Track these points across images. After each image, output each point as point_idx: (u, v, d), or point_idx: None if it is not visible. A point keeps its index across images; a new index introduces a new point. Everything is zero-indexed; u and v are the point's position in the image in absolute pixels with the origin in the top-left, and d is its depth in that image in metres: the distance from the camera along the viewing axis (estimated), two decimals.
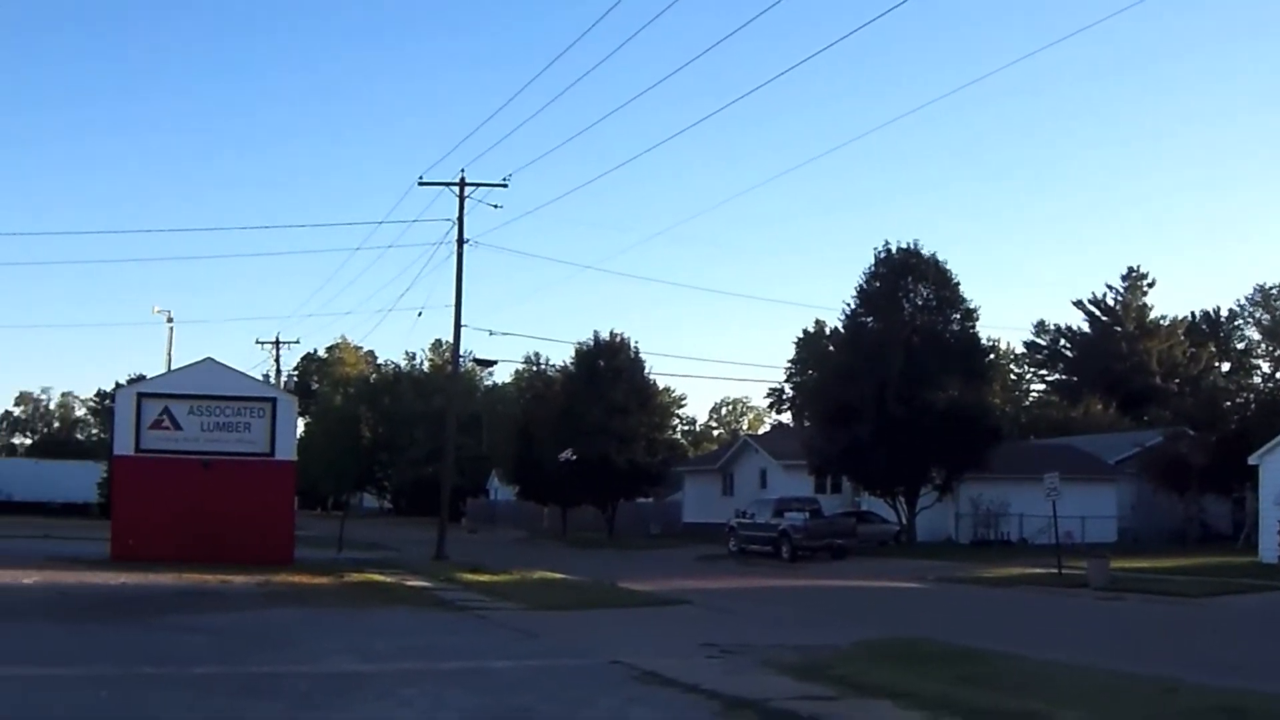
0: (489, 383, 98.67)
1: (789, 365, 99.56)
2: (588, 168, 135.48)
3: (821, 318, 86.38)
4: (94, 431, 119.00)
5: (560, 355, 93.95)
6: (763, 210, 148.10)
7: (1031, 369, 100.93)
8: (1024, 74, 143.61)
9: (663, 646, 16.46)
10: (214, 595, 23.16)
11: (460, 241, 42.75)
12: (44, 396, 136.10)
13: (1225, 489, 51.39)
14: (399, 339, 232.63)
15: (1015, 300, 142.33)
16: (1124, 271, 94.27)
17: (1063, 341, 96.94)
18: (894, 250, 50.38)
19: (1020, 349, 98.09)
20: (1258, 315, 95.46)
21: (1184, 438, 53.62)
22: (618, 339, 63.38)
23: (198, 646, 15.67)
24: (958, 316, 50.24)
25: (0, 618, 18.58)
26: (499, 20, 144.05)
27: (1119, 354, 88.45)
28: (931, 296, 50.15)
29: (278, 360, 77.02)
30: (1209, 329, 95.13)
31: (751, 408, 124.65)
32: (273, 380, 69.75)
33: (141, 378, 54.31)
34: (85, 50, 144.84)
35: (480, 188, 42.69)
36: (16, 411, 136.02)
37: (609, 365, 61.95)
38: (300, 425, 45.94)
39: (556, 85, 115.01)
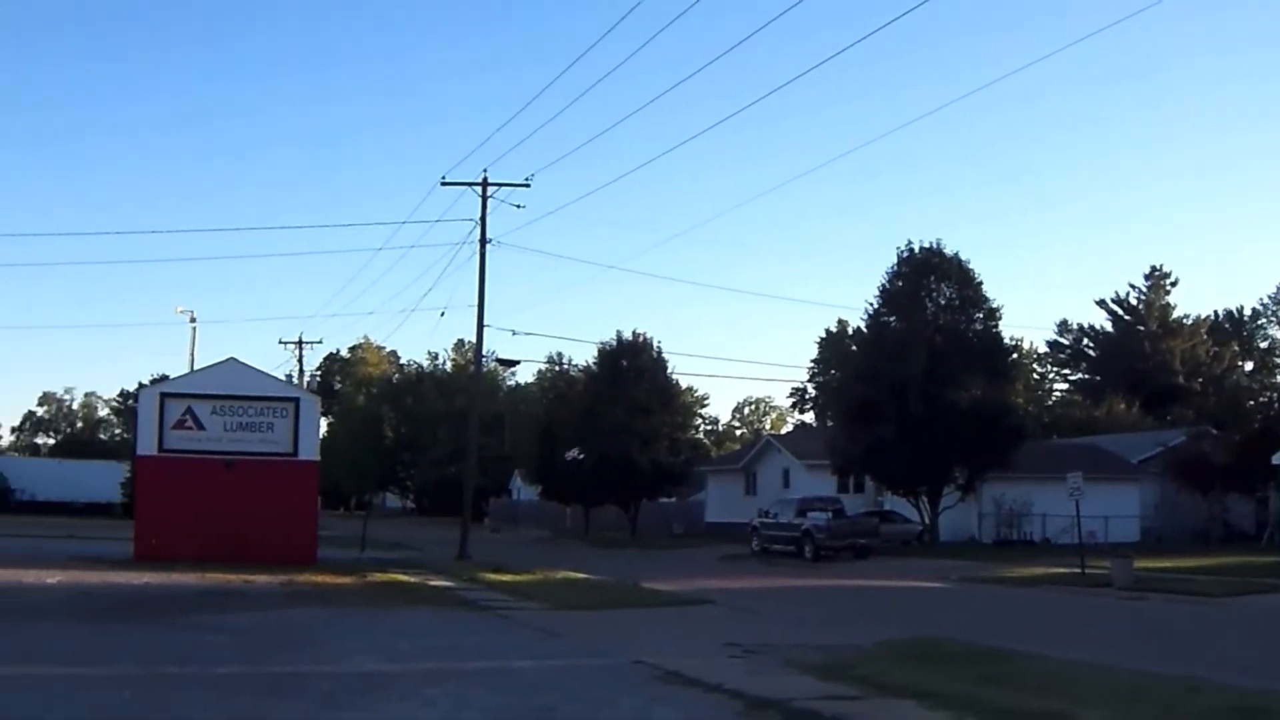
0: (512, 383, 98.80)
1: (811, 365, 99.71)
2: (609, 168, 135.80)
3: (844, 317, 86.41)
4: (117, 432, 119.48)
5: (583, 355, 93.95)
6: (782, 211, 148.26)
7: (1054, 368, 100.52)
8: (1044, 76, 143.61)
9: (685, 646, 16.42)
10: (237, 595, 23.19)
11: (483, 241, 42.83)
12: (67, 397, 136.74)
13: (1249, 488, 51.11)
14: (422, 339, 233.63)
15: (1038, 300, 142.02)
16: (1147, 271, 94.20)
17: (1086, 341, 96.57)
18: (916, 250, 50.27)
19: (1043, 348, 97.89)
20: None
21: (1207, 437, 53.39)
22: (640, 339, 63.40)
23: (221, 646, 15.69)
24: (980, 316, 50.03)
25: (24, 618, 18.65)
26: (521, 22, 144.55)
27: (1142, 353, 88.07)
28: (954, 296, 49.99)
29: (300, 360, 77.31)
30: (1232, 328, 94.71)
31: (774, 407, 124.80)
32: (296, 380, 69.89)
33: (164, 378, 54.64)
34: (85, 50, 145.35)
35: (503, 188, 42.77)
36: (40, 412, 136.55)
37: (632, 365, 61.95)
38: (323, 425, 45.95)
39: (578, 87, 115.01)
